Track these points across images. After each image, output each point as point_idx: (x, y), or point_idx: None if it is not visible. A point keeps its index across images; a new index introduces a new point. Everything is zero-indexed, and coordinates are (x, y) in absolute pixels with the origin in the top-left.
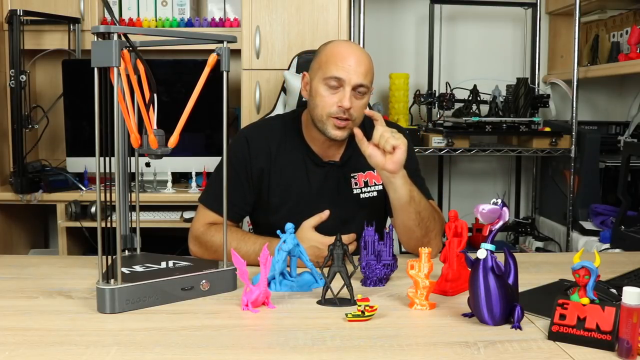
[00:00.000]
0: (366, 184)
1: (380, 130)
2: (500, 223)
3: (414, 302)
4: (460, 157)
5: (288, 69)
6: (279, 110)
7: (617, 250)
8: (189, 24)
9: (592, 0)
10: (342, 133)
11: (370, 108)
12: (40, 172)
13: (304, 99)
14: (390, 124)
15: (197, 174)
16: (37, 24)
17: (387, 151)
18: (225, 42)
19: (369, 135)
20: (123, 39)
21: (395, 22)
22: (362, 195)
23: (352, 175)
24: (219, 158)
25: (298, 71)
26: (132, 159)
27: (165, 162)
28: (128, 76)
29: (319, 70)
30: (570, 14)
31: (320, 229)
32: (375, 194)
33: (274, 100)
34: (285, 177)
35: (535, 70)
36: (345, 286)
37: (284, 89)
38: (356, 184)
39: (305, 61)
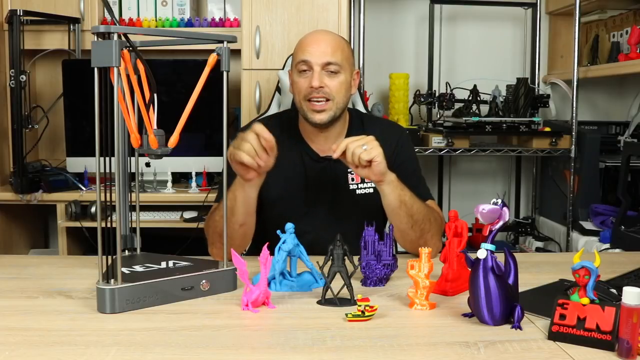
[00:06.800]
0: (363, 180)
1: (351, 147)
2: (500, 223)
3: (414, 302)
4: (460, 157)
5: (282, 68)
6: (274, 110)
7: (617, 250)
8: (189, 24)
9: (592, 0)
10: (322, 116)
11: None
12: (40, 172)
13: None
14: (386, 122)
15: (197, 174)
16: (37, 24)
17: (364, 166)
18: (225, 42)
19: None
20: (123, 39)
21: (395, 22)
22: (357, 192)
23: (350, 170)
24: (218, 158)
25: None
26: (132, 159)
27: (165, 162)
28: (128, 76)
29: (293, 62)
30: (570, 14)
31: (316, 225)
32: (371, 190)
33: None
34: (283, 173)
35: (535, 70)
36: (345, 286)
37: (278, 89)
38: (353, 179)
39: None
